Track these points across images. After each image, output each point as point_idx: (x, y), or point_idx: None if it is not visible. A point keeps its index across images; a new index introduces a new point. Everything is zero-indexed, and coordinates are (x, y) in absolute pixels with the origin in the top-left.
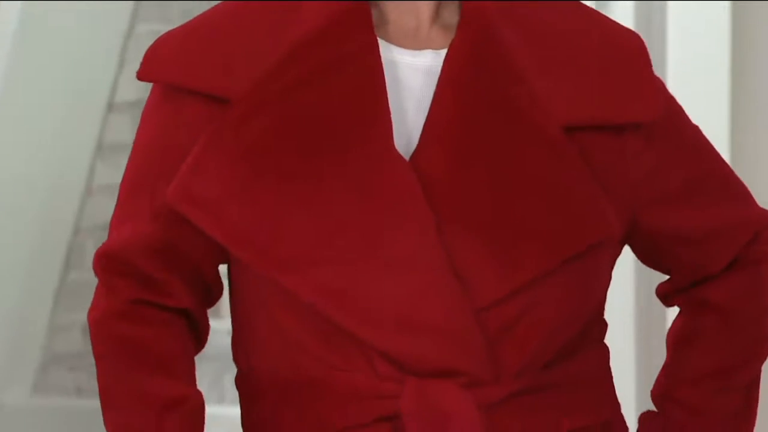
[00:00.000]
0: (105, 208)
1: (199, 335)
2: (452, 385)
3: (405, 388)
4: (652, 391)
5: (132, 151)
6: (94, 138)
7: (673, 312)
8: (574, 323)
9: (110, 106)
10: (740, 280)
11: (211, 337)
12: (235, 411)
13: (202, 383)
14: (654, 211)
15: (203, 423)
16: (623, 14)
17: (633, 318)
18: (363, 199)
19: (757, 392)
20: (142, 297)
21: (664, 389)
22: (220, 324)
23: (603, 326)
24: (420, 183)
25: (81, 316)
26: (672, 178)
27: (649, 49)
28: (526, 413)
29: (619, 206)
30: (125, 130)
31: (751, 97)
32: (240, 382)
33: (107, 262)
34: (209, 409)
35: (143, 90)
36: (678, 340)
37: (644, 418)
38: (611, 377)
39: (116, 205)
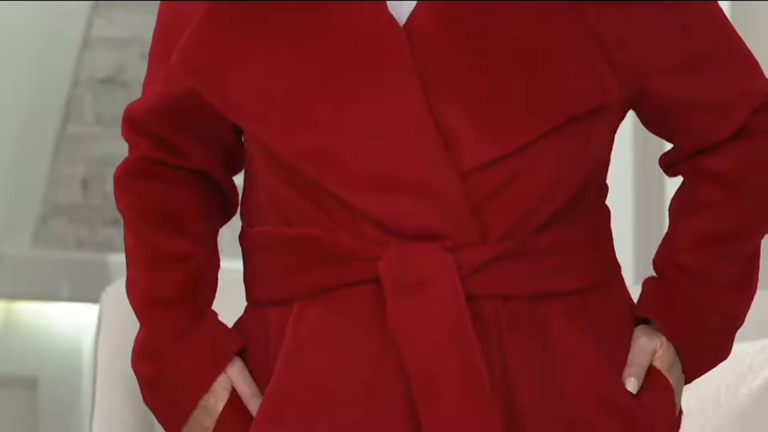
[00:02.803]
0: (103, 61)
1: (225, 199)
2: (435, 247)
3: (387, 249)
4: (654, 260)
5: (157, 18)
6: None
7: (673, 179)
8: (567, 189)
9: None
10: (745, 148)
11: None
12: (233, 264)
13: None
14: (667, 78)
15: (210, 281)
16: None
17: (631, 184)
18: (348, 60)
19: (758, 265)
20: (157, 156)
21: (666, 255)
22: None
23: (603, 189)
24: (410, 46)
25: (80, 169)
26: (686, 47)
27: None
28: (513, 276)
29: (626, 75)
30: None
31: None
32: (242, 239)
33: (129, 124)
34: None
35: None
36: (681, 208)
37: (647, 284)
38: (611, 239)
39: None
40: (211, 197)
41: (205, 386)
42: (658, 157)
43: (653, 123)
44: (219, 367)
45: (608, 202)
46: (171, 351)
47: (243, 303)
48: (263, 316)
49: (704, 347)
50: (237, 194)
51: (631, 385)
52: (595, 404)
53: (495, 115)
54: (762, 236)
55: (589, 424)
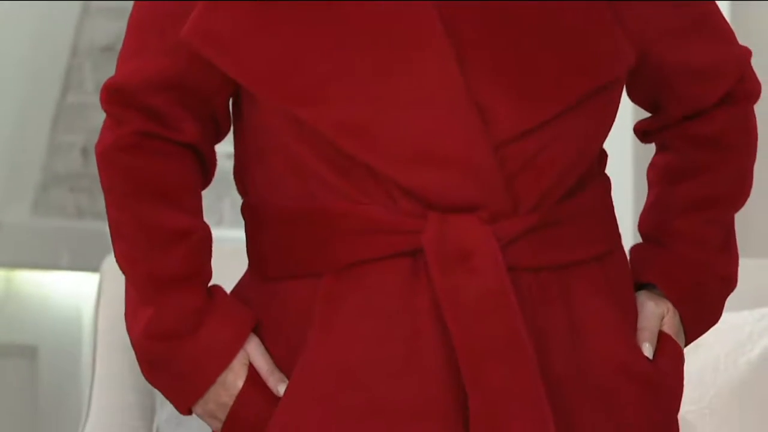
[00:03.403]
0: (102, 29)
1: (206, 170)
2: (473, 219)
3: (427, 222)
4: (641, 225)
5: None
6: None
7: None
8: (588, 157)
9: None
10: (731, 114)
11: None
12: (232, 234)
13: None
14: (667, 44)
15: (210, 255)
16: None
17: (631, 154)
18: (381, 33)
19: (735, 235)
20: (149, 129)
21: (658, 221)
22: (219, 147)
23: (604, 157)
24: (441, 18)
25: (80, 138)
26: (685, 15)
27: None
28: (541, 247)
29: (635, 41)
30: None
31: None
32: (247, 211)
33: (114, 95)
34: None
35: None
36: (667, 173)
37: (640, 250)
38: (613, 208)
39: (124, 41)
40: (197, 170)
41: (224, 363)
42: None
43: (644, 90)
44: (238, 344)
45: (609, 172)
46: (187, 330)
47: (242, 273)
48: (277, 291)
49: (702, 311)
50: (216, 165)
51: (647, 350)
52: (617, 371)
53: (526, 87)
54: (743, 202)
55: (613, 390)
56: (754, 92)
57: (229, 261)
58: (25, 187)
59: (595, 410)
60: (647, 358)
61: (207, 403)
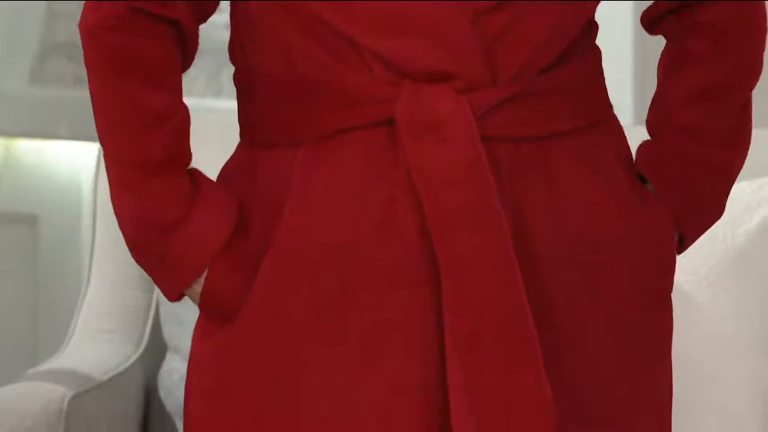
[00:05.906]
0: None
1: (187, 51)
2: (447, 88)
3: (400, 91)
4: (647, 121)
5: None
6: None
7: None
8: (573, 28)
9: None
10: (730, 3)
11: (210, 31)
12: (231, 104)
13: (200, 77)
14: None
15: (189, 137)
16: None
17: (631, 24)
18: None
19: (750, 115)
20: (135, 4)
21: (659, 115)
22: (219, 18)
23: (595, 28)
24: None
25: (78, 5)
26: None
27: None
28: (521, 118)
29: None
30: None
31: None
32: (238, 79)
33: None
34: (206, 103)
35: None
36: (669, 65)
37: (642, 148)
38: (603, 78)
39: None
40: (178, 48)
41: (211, 255)
42: None
43: None
44: (224, 235)
45: (608, 42)
46: (174, 221)
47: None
48: (260, 158)
49: (699, 205)
50: (197, 46)
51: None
52: (603, 241)
53: None
54: (750, 90)
55: (598, 264)
56: None
57: (228, 132)
58: (22, 57)
59: (579, 283)
60: (637, 229)
61: (193, 291)
